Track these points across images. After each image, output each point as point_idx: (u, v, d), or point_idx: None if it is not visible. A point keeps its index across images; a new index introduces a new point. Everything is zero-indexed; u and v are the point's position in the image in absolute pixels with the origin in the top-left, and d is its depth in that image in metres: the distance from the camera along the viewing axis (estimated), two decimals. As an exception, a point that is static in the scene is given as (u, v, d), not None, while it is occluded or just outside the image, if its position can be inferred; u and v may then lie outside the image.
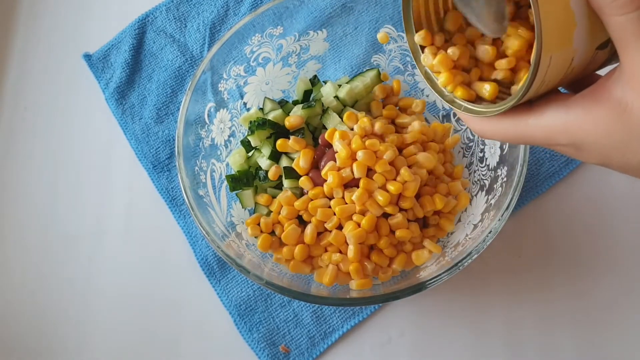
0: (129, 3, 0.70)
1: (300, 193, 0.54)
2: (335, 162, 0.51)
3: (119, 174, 0.64)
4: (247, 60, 0.56)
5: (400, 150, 0.52)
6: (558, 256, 0.58)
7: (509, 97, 0.33)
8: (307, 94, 0.59)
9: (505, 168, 0.50)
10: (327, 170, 0.50)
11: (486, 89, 0.35)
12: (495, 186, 0.51)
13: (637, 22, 0.26)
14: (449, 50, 0.37)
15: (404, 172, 0.49)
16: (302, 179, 0.52)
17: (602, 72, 0.32)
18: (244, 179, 0.55)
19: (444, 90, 0.37)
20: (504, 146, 0.51)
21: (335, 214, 0.50)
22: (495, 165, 0.52)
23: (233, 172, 0.56)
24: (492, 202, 0.50)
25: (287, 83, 0.60)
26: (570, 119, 0.30)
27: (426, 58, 0.38)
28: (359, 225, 0.49)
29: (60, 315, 0.59)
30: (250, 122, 0.56)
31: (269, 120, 0.56)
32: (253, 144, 0.57)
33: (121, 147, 0.65)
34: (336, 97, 0.56)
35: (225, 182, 0.55)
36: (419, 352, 0.56)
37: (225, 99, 0.57)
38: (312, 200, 0.51)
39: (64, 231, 0.62)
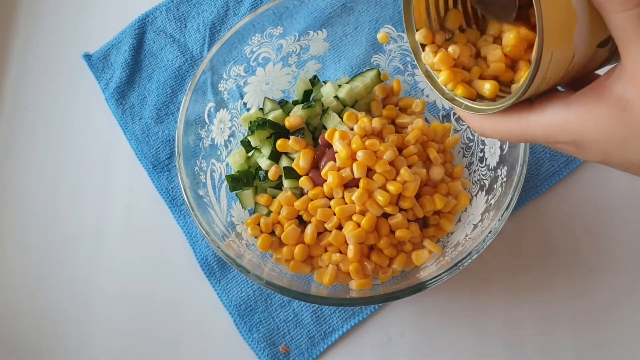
0: (129, 3, 0.70)
1: (300, 193, 0.54)
2: (335, 162, 0.51)
3: (119, 174, 0.64)
4: (247, 60, 0.56)
5: (400, 150, 0.52)
6: (558, 256, 0.58)
7: (509, 95, 0.33)
8: (307, 94, 0.59)
9: (505, 168, 0.50)
10: (327, 170, 0.50)
11: (486, 87, 0.35)
12: (495, 186, 0.51)
13: (637, 19, 0.26)
14: (450, 49, 0.37)
15: (403, 172, 0.49)
16: (302, 179, 0.52)
17: (601, 71, 0.32)
18: (244, 179, 0.55)
19: (445, 88, 0.37)
20: (504, 146, 0.51)
21: (335, 214, 0.50)
22: (495, 165, 0.52)
23: (233, 172, 0.56)
24: (492, 202, 0.50)
25: (287, 83, 0.60)
26: (570, 117, 0.30)
27: (427, 56, 0.38)
28: (359, 225, 0.49)
29: (60, 315, 0.59)
30: (250, 122, 0.56)
31: (269, 120, 0.56)
32: (253, 144, 0.57)
33: (121, 147, 0.65)
34: (336, 97, 0.56)
35: (225, 182, 0.55)
36: (419, 352, 0.55)
37: (225, 99, 0.57)
38: (312, 200, 0.51)
39: (64, 231, 0.62)
